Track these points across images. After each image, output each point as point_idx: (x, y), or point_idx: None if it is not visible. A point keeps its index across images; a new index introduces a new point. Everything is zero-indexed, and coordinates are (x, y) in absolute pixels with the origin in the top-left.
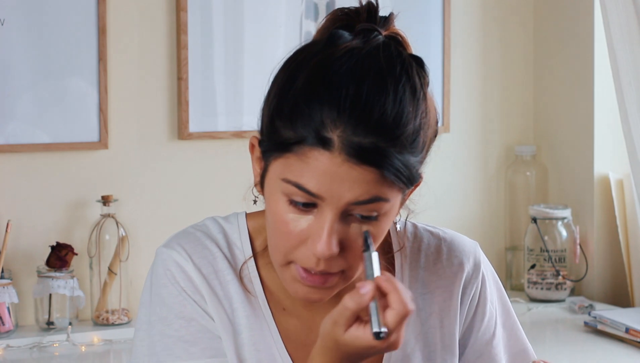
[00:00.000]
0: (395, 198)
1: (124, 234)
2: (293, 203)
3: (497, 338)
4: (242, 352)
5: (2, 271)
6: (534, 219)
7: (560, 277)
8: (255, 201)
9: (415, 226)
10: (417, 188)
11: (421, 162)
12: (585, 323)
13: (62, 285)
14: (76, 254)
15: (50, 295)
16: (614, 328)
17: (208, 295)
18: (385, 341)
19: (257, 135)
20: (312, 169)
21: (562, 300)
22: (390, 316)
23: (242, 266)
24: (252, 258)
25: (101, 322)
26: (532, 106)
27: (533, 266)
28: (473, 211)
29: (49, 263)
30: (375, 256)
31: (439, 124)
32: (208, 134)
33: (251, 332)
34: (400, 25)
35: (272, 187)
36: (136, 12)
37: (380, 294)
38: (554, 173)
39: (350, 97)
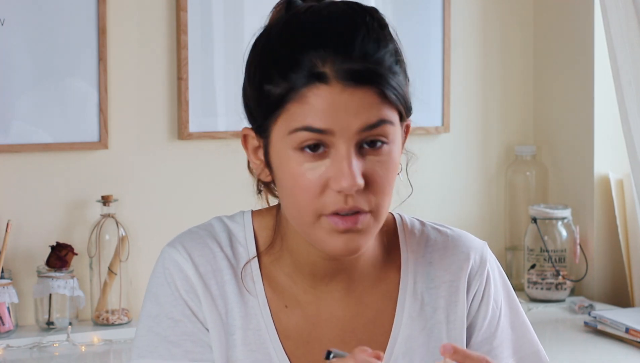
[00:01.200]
0: (397, 124)
1: (124, 234)
2: (306, 152)
3: (499, 339)
4: (234, 352)
5: (2, 271)
6: (534, 219)
7: (560, 277)
8: (260, 191)
9: (422, 223)
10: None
11: (408, 93)
12: (585, 323)
13: (62, 285)
14: (76, 254)
15: (50, 295)
16: (614, 328)
17: (203, 295)
18: None
19: (247, 129)
20: (314, 107)
21: (562, 300)
22: None
23: (244, 265)
24: (256, 257)
25: (101, 322)
26: (532, 106)
27: (533, 266)
28: (473, 211)
29: (49, 263)
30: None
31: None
32: (208, 134)
33: (246, 332)
34: (400, 26)
35: (281, 151)
36: (136, 12)
37: None
38: (554, 173)
39: (329, 35)
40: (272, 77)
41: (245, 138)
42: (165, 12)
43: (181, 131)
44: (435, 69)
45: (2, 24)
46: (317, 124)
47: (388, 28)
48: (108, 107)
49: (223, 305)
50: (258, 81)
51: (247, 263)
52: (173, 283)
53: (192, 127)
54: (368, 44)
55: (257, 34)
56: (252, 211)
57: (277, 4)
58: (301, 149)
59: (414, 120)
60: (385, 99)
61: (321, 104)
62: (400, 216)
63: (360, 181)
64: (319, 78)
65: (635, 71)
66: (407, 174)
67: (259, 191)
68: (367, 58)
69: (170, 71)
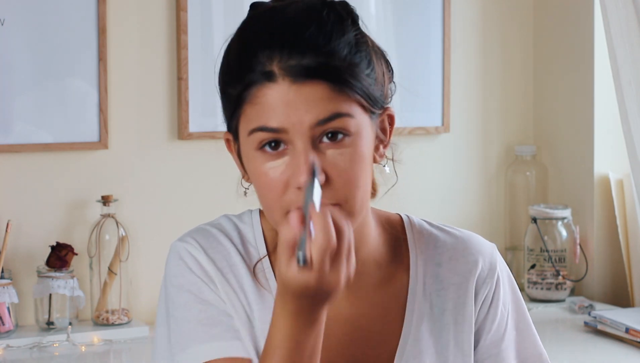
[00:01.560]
0: (360, 116)
1: (124, 234)
2: (266, 151)
3: (507, 341)
4: (260, 343)
5: (2, 271)
6: (534, 219)
7: (560, 277)
8: (245, 193)
9: (431, 224)
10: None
11: (379, 85)
12: (585, 323)
13: (62, 285)
14: (76, 254)
15: (50, 295)
16: (614, 328)
17: (222, 287)
18: (316, 276)
19: (227, 133)
20: (265, 106)
21: (562, 300)
22: (313, 247)
23: (256, 263)
24: (266, 256)
25: (101, 322)
26: (532, 106)
27: (533, 266)
28: (473, 211)
29: (49, 263)
30: (317, 188)
31: (439, 124)
32: (208, 134)
33: (263, 325)
34: (400, 26)
35: (247, 152)
36: (136, 12)
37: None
38: (554, 173)
39: (278, 34)
40: (231, 81)
41: (228, 143)
42: (165, 12)
43: (181, 131)
44: (435, 69)
45: (2, 24)
46: (270, 123)
47: (350, 20)
48: (108, 107)
49: (244, 297)
50: (222, 85)
51: (258, 261)
52: (192, 273)
53: (192, 127)
54: (317, 37)
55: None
56: (260, 210)
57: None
58: (261, 148)
59: (414, 120)
60: (339, 92)
61: (272, 103)
62: (407, 216)
63: (321, 177)
64: (267, 77)
65: (635, 71)
66: (392, 164)
67: (245, 194)
68: (316, 51)
69: (170, 71)
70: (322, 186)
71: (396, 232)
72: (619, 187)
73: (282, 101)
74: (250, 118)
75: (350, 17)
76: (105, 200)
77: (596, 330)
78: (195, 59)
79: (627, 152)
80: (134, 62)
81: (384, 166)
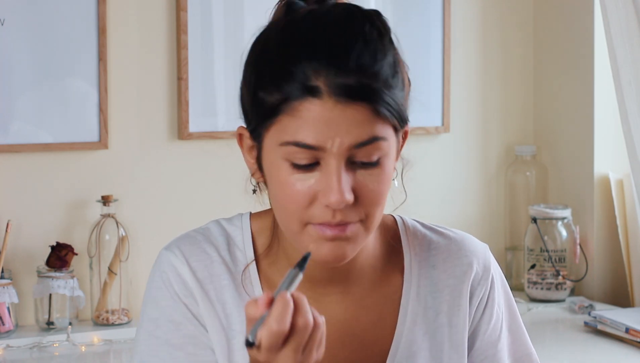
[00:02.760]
0: (392, 137)
1: (124, 234)
2: (296, 166)
3: (502, 342)
4: (235, 356)
5: (2, 271)
6: (534, 219)
7: (560, 277)
8: (254, 191)
9: (424, 225)
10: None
11: (406, 102)
12: (585, 323)
13: (62, 285)
14: (76, 254)
15: (50, 295)
16: (614, 328)
17: (201, 299)
18: (264, 355)
19: (242, 128)
20: (306, 121)
21: (562, 300)
22: (263, 330)
23: (243, 271)
24: (254, 261)
25: (101, 322)
26: (532, 106)
27: (533, 266)
28: (473, 211)
29: (49, 263)
30: (299, 277)
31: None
32: (208, 134)
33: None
34: (400, 26)
35: (272, 159)
36: (136, 12)
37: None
38: (554, 173)
39: (324, 46)
40: (265, 85)
41: (240, 137)
42: (165, 12)
43: (181, 131)
44: (435, 69)
45: (2, 24)
46: (308, 140)
47: (388, 35)
48: (108, 107)
49: (222, 309)
50: (253, 86)
51: (245, 268)
52: (171, 287)
53: (192, 127)
54: (364, 57)
55: (257, 35)
56: (251, 214)
57: (278, 3)
58: (292, 163)
59: (414, 120)
60: (378, 115)
61: (313, 119)
62: (401, 218)
63: (349, 197)
64: (312, 92)
65: (635, 71)
66: (402, 180)
67: (254, 191)
68: (362, 72)
69: (170, 71)
70: (350, 204)
71: (390, 234)
72: (619, 187)
73: (324, 119)
74: (285, 130)
75: (388, 34)
76: (105, 200)
77: (596, 330)
78: (195, 59)
79: (627, 152)
80: (134, 62)
81: (393, 179)
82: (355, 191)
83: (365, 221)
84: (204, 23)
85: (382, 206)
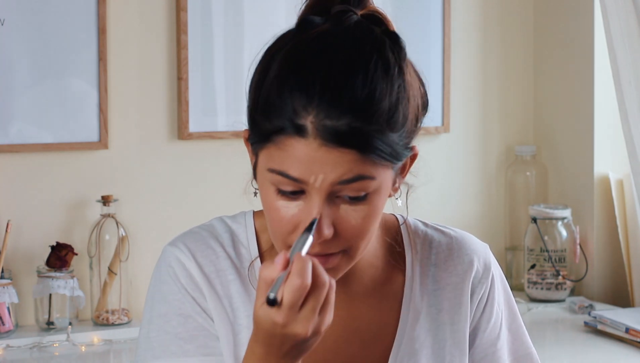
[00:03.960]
0: (383, 174)
1: (124, 234)
2: (281, 192)
3: (502, 340)
4: (240, 351)
5: (2, 271)
6: (534, 219)
7: (560, 277)
8: (255, 193)
9: (426, 224)
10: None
11: (407, 136)
12: (585, 323)
13: (62, 285)
14: (76, 254)
15: (50, 295)
16: (614, 328)
17: (208, 293)
18: (284, 315)
19: (246, 132)
20: (291, 157)
21: (562, 300)
22: (286, 286)
23: (249, 265)
24: (258, 257)
25: (101, 322)
26: (532, 106)
27: (533, 266)
28: (473, 211)
29: (49, 263)
30: (309, 240)
31: (439, 124)
32: (208, 134)
33: (251, 331)
34: (400, 26)
35: (262, 177)
36: (136, 12)
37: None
38: (554, 173)
39: (319, 82)
40: (260, 111)
41: (245, 139)
42: (165, 12)
43: (181, 131)
44: (435, 69)
45: (2, 24)
46: (292, 173)
47: (397, 66)
48: (108, 107)
49: (229, 304)
50: (251, 104)
51: (251, 263)
52: (178, 281)
53: (192, 127)
54: (360, 96)
55: (268, 46)
56: (254, 212)
57: (301, 14)
58: (277, 188)
59: None
60: (366, 158)
61: (297, 156)
62: (402, 217)
63: (327, 233)
64: (298, 131)
65: (635, 71)
66: (406, 200)
67: (255, 194)
68: (354, 113)
69: (170, 71)
70: (330, 237)
71: (392, 233)
72: (619, 187)
73: (308, 157)
74: (273, 159)
75: (397, 64)
76: (105, 200)
77: (596, 330)
78: (195, 59)
79: (627, 152)
80: (134, 62)
81: (397, 199)
82: (336, 225)
83: (348, 252)
84: (204, 23)
85: (367, 239)
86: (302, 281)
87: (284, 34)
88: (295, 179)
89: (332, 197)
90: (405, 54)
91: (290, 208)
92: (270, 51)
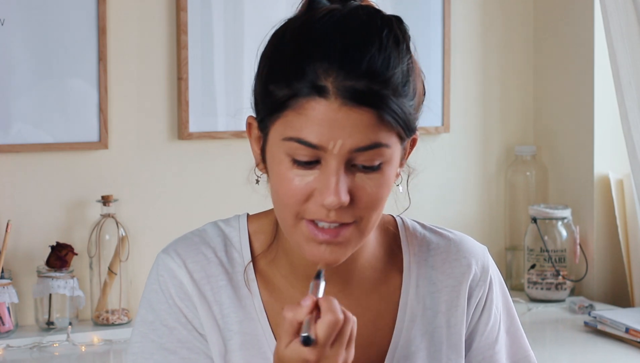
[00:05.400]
0: (395, 145)
1: (124, 234)
2: (296, 162)
3: (500, 343)
4: (232, 358)
5: (2, 271)
6: (534, 219)
7: (560, 277)
8: (257, 181)
9: (424, 226)
10: (414, 150)
11: (415, 111)
12: (585, 323)
13: (62, 285)
14: (76, 254)
15: (50, 295)
16: (614, 328)
17: (199, 301)
18: (317, 352)
19: (251, 118)
20: (310, 120)
21: (562, 300)
22: (320, 323)
23: (244, 271)
24: (251, 262)
25: (101, 322)
26: (532, 106)
27: (533, 266)
28: (473, 211)
29: (49, 263)
30: (322, 284)
31: (439, 124)
32: (208, 134)
33: (243, 337)
34: None
35: (274, 152)
36: (136, 12)
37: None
38: (554, 173)
39: (338, 48)
40: (276, 79)
41: (249, 126)
42: (165, 12)
43: (181, 131)
44: (435, 69)
45: (2, 24)
46: (311, 138)
47: (406, 43)
48: (108, 107)
49: (219, 310)
50: (265, 78)
51: (245, 268)
52: (167, 290)
53: (192, 127)
54: (377, 62)
55: (276, 27)
56: (248, 215)
57: (303, 3)
58: (293, 159)
59: None
60: (382, 122)
61: (317, 118)
62: (401, 219)
63: (345, 199)
64: (319, 91)
65: (635, 71)
66: (407, 187)
67: (257, 182)
68: (372, 77)
69: (170, 71)
70: (345, 206)
71: (390, 234)
72: (619, 187)
73: (329, 119)
74: (290, 126)
75: (405, 41)
76: (105, 200)
77: (596, 330)
78: (195, 59)
79: (627, 152)
80: (134, 62)
81: (398, 185)
82: (352, 193)
83: (359, 223)
84: (204, 23)
85: (379, 211)
86: (336, 317)
87: (290, 17)
88: (313, 146)
89: (349, 165)
90: (409, 37)
91: (305, 177)
92: (279, 31)
